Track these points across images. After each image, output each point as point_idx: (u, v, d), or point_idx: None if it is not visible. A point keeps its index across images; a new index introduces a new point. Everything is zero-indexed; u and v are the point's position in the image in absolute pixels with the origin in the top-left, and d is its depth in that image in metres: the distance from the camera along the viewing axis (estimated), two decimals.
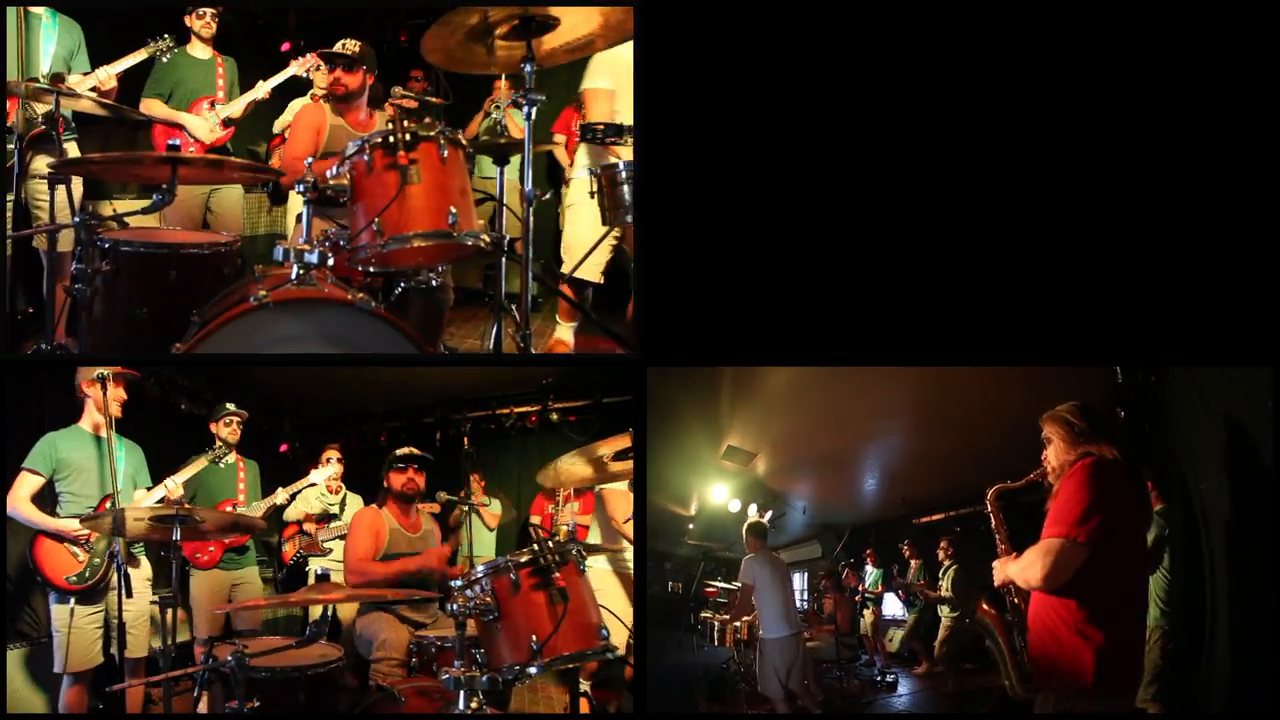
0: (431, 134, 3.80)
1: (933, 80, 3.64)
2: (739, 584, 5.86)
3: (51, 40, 5.03)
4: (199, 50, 5.70)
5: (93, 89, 5.10)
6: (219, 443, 5.60)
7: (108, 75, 5.16)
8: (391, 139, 3.74)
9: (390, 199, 3.70)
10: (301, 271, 3.68)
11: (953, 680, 6.23)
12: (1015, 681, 3.57)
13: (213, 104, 5.66)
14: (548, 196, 4.11)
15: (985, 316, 3.67)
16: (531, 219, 3.95)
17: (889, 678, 6.65)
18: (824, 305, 3.67)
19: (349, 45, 4.89)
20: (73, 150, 5.03)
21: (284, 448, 7.05)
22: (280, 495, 6.03)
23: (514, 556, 3.65)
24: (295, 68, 5.61)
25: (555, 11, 3.90)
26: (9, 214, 4.49)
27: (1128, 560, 3.26)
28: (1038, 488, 3.46)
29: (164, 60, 5.47)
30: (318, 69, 5.72)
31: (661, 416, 4.51)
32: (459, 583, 3.69)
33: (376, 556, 5.13)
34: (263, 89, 5.61)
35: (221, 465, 5.63)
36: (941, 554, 6.59)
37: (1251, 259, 3.62)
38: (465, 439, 7.11)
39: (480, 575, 3.66)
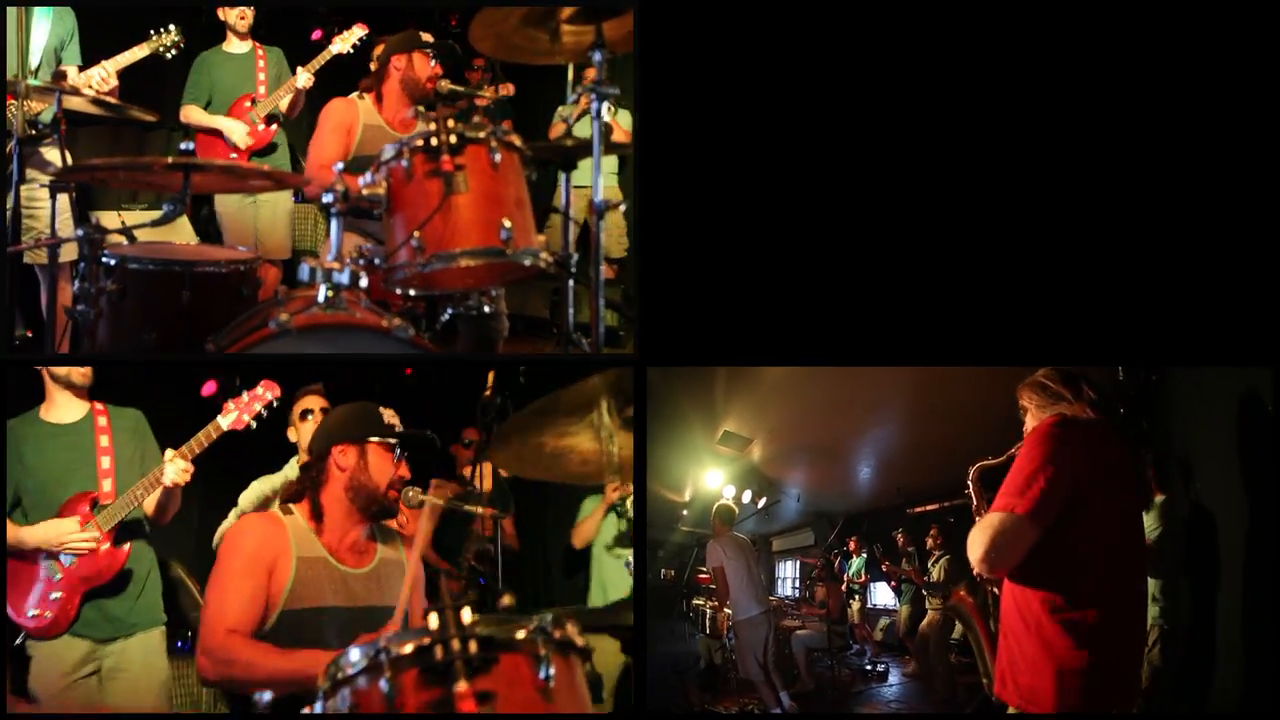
0: (481, 135, 3.12)
1: (933, 81, 3.43)
2: (710, 569, 5.76)
3: (44, 30, 4.28)
4: (235, 45, 5.00)
5: (90, 88, 4.32)
6: (168, 29, 4.64)
7: (106, 75, 4.37)
8: (434, 141, 3.07)
9: (433, 210, 3.03)
10: (330, 294, 3.02)
11: (941, 671, 5.96)
12: (993, 679, 3.04)
13: (253, 101, 4.93)
14: (623, 207, 3.40)
15: (985, 317, 3.46)
16: (603, 235, 3.29)
17: (879, 667, 6.52)
18: (826, 306, 3.44)
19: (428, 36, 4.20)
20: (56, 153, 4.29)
21: None
22: (301, 77, 5.03)
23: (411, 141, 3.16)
24: (338, 45, 4.83)
25: None
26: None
27: (1107, 544, 2.74)
28: None
29: (168, 57, 4.65)
30: (354, 35, 4.88)
31: (656, 402, 4.25)
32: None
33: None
34: (303, 77, 4.86)
35: (169, 57, 4.66)
36: (931, 542, 6.35)
37: (1251, 259, 3.43)
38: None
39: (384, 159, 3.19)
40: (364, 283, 3.07)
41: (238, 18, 4.88)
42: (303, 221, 5.59)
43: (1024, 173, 3.40)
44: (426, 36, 4.15)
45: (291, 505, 3.18)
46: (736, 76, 3.35)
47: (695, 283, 3.39)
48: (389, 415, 3.24)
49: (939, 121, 3.39)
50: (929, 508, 6.16)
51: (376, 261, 3.12)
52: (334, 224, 3.13)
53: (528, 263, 3.14)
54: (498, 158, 3.12)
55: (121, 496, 3.82)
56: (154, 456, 3.95)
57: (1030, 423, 2.94)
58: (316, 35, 5.33)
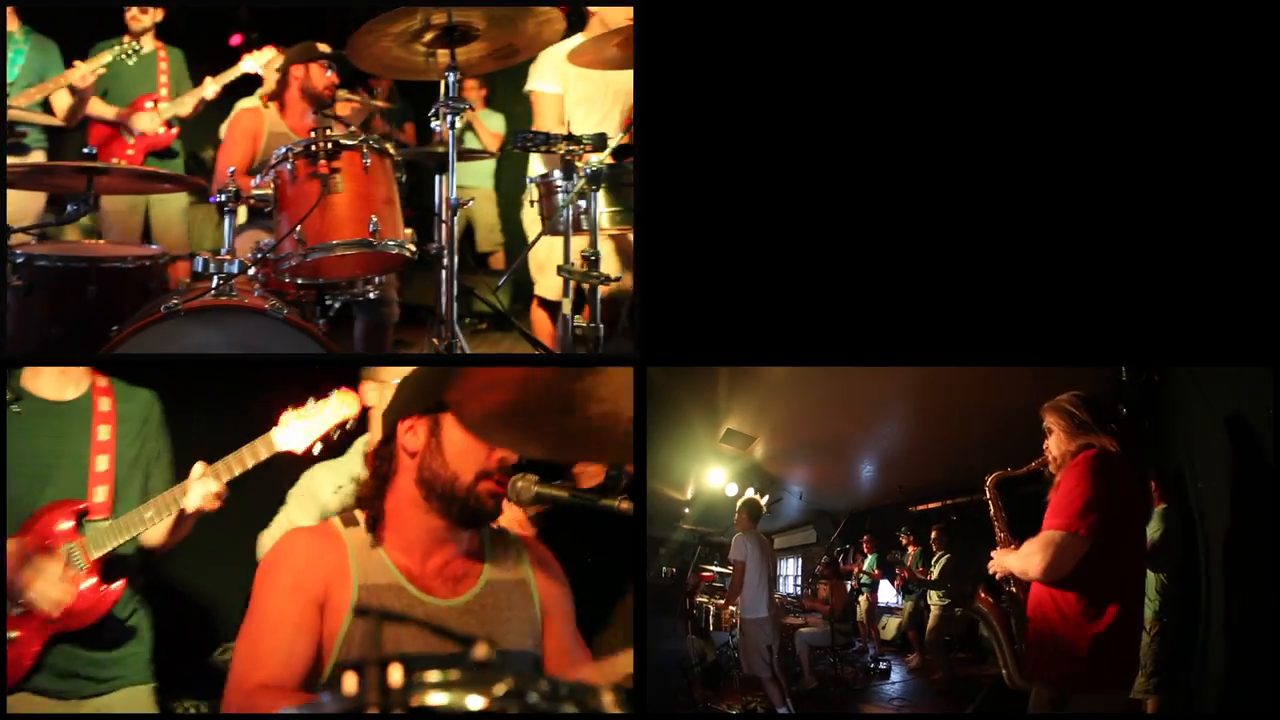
0: (354, 142, 3.67)
1: (934, 80, 3.48)
2: (731, 561, 5.71)
3: (20, 59, 4.74)
4: (138, 43, 5.22)
5: (70, 87, 4.87)
6: (123, 40, 4.95)
7: (82, 74, 4.87)
8: (313, 147, 3.61)
9: (311, 207, 3.57)
10: (221, 282, 3.51)
11: (943, 669, 6.06)
12: (1013, 670, 3.45)
13: (155, 102, 5.25)
14: (471, 203, 3.80)
15: (987, 317, 3.49)
16: (457, 227, 3.75)
17: (882, 665, 6.50)
18: (827, 306, 3.50)
19: (324, 47, 4.63)
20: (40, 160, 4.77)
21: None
22: (209, 88, 5.16)
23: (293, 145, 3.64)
24: (250, 63, 5.12)
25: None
26: None
27: (1127, 553, 3.13)
28: (1038, 477, 3.33)
29: (129, 62, 5.05)
30: (270, 61, 5.21)
31: (659, 401, 4.39)
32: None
33: None
34: (211, 88, 5.16)
35: (132, 61, 4.95)
36: (933, 542, 6.42)
37: (1251, 259, 3.46)
38: None
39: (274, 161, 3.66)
40: (252, 271, 3.60)
41: (131, 18, 5.13)
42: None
43: (1024, 173, 3.45)
44: (323, 47, 4.62)
45: (357, 513, 2.45)
46: (737, 74, 3.46)
47: (696, 282, 3.47)
48: None
49: (940, 120, 3.46)
50: (931, 506, 6.27)
51: (267, 254, 3.60)
52: (226, 221, 3.66)
53: (394, 251, 3.67)
54: (368, 162, 3.66)
55: (124, 517, 3.02)
56: (163, 466, 3.32)
57: (1056, 444, 3.21)
58: (236, 40, 5.67)
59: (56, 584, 3.00)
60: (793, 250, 3.49)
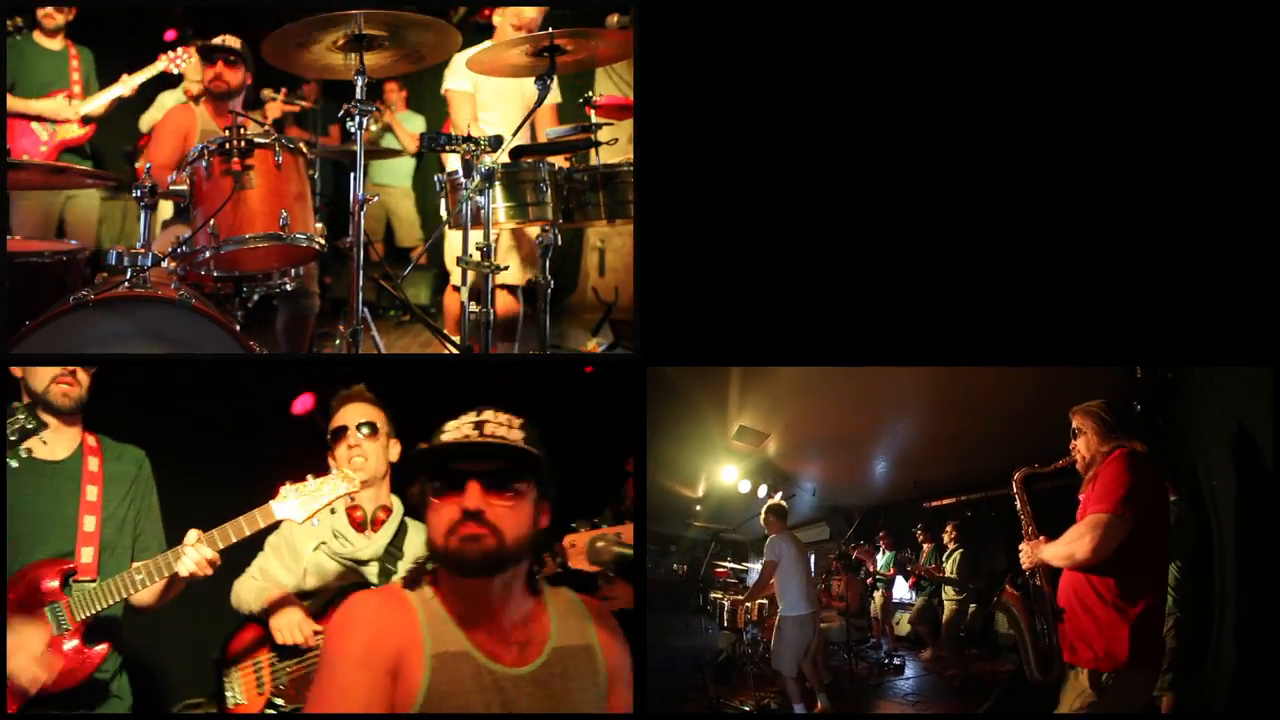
0: (267, 141, 3.85)
1: (939, 80, 3.51)
2: (763, 561, 5.67)
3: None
4: (50, 40, 5.32)
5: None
6: None
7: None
8: (228, 145, 3.79)
9: (223, 202, 3.75)
10: (134, 275, 3.64)
11: (958, 665, 5.95)
12: (1034, 666, 3.57)
13: (69, 98, 5.29)
14: (376, 198, 3.93)
15: (998, 317, 3.53)
16: (379, 224, 3.74)
17: (896, 660, 6.42)
18: (828, 306, 3.52)
19: (230, 40, 4.72)
20: None
21: None
22: (125, 85, 5.20)
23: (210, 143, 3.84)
24: (164, 63, 5.20)
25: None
26: None
27: (1155, 543, 3.37)
28: (1065, 475, 3.54)
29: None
30: (188, 60, 5.26)
31: (671, 398, 4.43)
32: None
33: None
34: (128, 85, 5.22)
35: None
36: (947, 538, 6.36)
37: (1252, 259, 3.51)
38: None
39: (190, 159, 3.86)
40: (166, 264, 3.77)
41: (44, 16, 5.15)
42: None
43: (1034, 173, 3.49)
44: (234, 41, 4.71)
45: (422, 579, 2.29)
46: (739, 70, 3.48)
47: (696, 282, 3.48)
48: (458, 428, 2.26)
49: (950, 119, 3.48)
50: (945, 502, 6.26)
51: (185, 249, 3.73)
52: (143, 216, 3.84)
53: (304, 244, 3.87)
54: (280, 159, 3.85)
55: (113, 579, 2.99)
56: (153, 526, 3.30)
57: (1085, 445, 3.41)
58: (170, 35, 5.71)
59: (35, 660, 2.92)
60: (794, 250, 3.50)
